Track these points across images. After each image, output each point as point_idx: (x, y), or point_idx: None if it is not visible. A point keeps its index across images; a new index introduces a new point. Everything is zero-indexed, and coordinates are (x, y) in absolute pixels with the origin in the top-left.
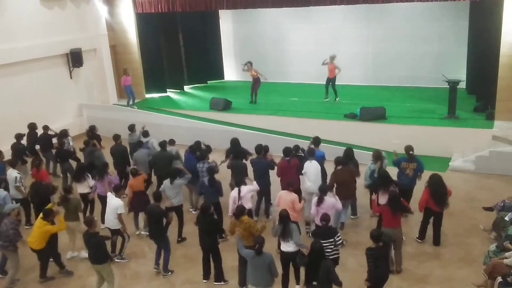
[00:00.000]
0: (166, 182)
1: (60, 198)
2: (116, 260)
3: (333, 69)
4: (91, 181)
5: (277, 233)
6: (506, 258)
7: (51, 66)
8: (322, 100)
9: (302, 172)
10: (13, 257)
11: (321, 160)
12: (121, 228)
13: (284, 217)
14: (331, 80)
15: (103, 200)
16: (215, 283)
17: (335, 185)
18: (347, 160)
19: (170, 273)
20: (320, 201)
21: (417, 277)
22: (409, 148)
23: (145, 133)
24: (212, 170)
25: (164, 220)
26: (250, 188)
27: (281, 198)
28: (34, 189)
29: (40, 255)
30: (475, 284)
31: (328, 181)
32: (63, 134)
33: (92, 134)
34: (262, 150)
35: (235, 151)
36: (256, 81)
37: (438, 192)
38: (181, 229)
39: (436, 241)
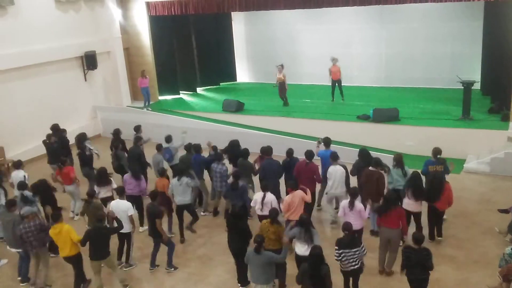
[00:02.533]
0: (174, 180)
1: (83, 204)
2: (124, 268)
3: (336, 72)
4: (114, 184)
5: (294, 236)
6: None
7: (65, 68)
8: (330, 101)
9: (327, 176)
10: (45, 255)
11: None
12: (131, 231)
13: (306, 221)
14: (336, 82)
15: (134, 200)
16: (240, 286)
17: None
18: (369, 160)
19: (173, 269)
20: (351, 205)
21: (431, 280)
22: (437, 152)
23: (168, 138)
24: (238, 174)
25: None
26: (273, 199)
27: (292, 201)
28: (34, 188)
29: (73, 261)
30: (490, 287)
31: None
32: (82, 137)
33: (116, 137)
34: (271, 151)
35: (232, 153)
36: (281, 85)
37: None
38: (193, 223)
39: (439, 233)
